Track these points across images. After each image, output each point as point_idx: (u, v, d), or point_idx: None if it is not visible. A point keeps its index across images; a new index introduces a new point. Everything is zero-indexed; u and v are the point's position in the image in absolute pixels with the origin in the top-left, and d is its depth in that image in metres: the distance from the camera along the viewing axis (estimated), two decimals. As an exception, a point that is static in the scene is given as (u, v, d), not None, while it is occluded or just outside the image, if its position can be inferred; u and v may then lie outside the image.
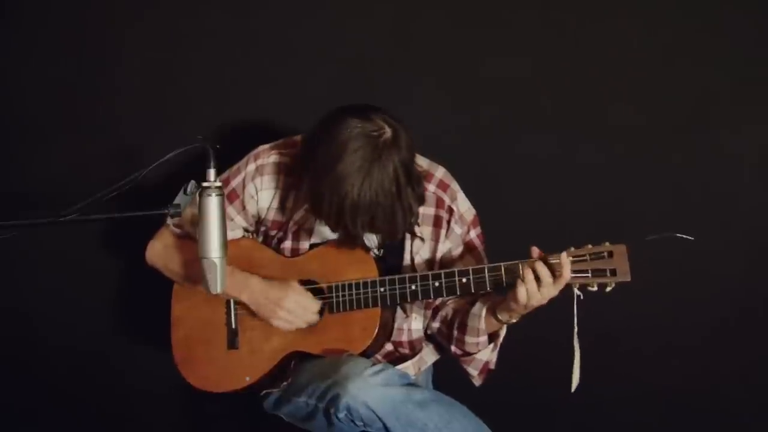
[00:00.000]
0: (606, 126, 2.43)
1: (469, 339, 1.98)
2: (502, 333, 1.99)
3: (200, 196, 1.56)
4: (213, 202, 1.56)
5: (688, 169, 2.42)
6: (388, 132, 1.76)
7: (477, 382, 2.06)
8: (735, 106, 2.39)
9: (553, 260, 1.79)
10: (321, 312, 1.98)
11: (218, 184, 1.56)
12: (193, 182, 1.57)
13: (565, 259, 1.78)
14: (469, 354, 2.02)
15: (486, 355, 2.01)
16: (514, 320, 1.92)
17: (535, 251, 1.81)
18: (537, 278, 1.78)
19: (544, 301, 1.81)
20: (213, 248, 1.56)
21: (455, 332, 2.02)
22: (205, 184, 1.56)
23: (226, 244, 1.58)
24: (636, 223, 2.42)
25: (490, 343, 1.99)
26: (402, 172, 1.77)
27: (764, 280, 2.43)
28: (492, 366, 2.04)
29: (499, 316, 1.91)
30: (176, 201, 1.55)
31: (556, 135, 2.44)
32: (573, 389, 1.84)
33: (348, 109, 1.81)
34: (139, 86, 2.53)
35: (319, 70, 2.48)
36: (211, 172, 1.57)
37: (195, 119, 2.50)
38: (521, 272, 1.80)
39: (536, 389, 2.50)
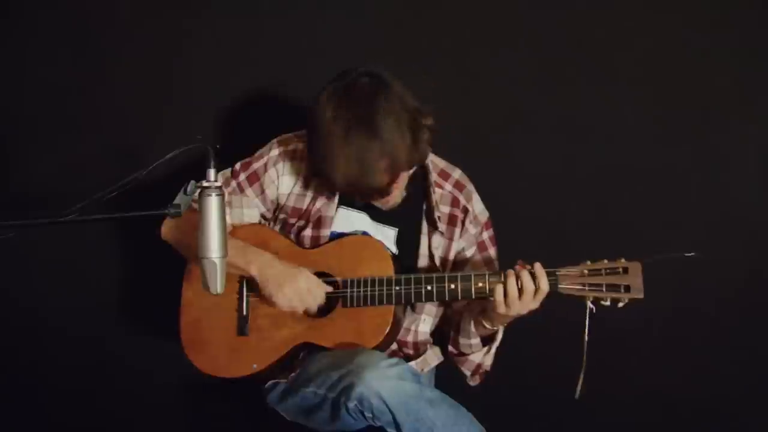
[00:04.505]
0: (606, 128, 2.43)
1: (462, 340, 2.02)
2: (499, 337, 2.01)
3: (200, 196, 1.56)
4: (213, 202, 1.55)
5: (688, 169, 2.42)
6: (364, 78, 1.81)
7: (471, 382, 2.08)
8: (735, 106, 2.39)
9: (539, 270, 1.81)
10: (332, 304, 1.98)
11: (218, 184, 1.56)
12: (193, 182, 1.57)
13: (540, 270, 1.80)
14: (462, 354, 2.05)
15: (479, 357, 2.04)
16: (497, 327, 1.95)
17: (520, 265, 1.83)
18: (521, 287, 1.80)
19: (524, 311, 1.82)
20: (213, 248, 1.56)
21: (452, 332, 2.06)
22: (205, 184, 1.56)
23: (226, 244, 1.57)
24: (637, 224, 2.43)
25: (485, 346, 2.01)
26: (397, 102, 1.80)
27: (765, 280, 2.43)
28: (486, 368, 2.07)
29: (484, 322, 1.94)
30: (176, 201, 1.55)
31: (556, 138, 2.44)
32: (577, 396, 1.85)
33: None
34: (139, 86, 2.53)
35: (319, 69, 2.46)
36: (211, 172, 1.56)
37: (195, 119, 2.50)
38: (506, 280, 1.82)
39: (537, 394, 2.50)
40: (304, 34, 2.48)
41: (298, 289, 1.93)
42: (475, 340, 1.99)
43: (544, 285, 1.80)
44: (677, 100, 2.39)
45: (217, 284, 1.58)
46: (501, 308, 1.81)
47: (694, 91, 2.38)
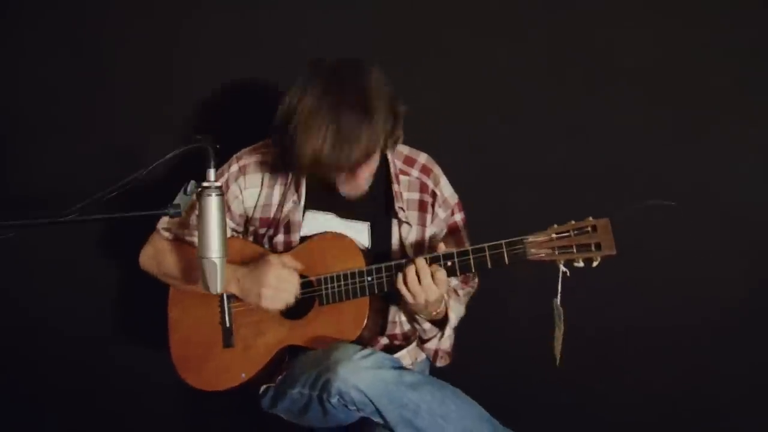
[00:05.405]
0: (606, 128, 2.43)
1: (416, 326, 2.04)
2: (452, 320, 2.00)
3: (200, 196, 1.56)
4: (213, 202, 1.56)
5: (688, 169, 2.42)
6: (346, 62, 1.81)
7: (438, 364, 2.09)
8: (735, 106, 2.39)
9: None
10: (310, 304, 1.98)
11: (218, 184, 1.57)
12: (193, 182, 1.57)
13: (421, 263, 1.81)
14: (422, 341, 2.08)
15: (434, 343, 2.06)
16: (423, 315, 1.95)
17: (441, 247, 1.85)
18: (417, 273, 1.82)
19: (432, 298, 1.83)
20: (213, 248, 1.57)
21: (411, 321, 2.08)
22: (204, 184, 1.56)
23: (226, 244, 1.58)
24: (637, 224, 2.42)
25: (441, 329, 2.01)
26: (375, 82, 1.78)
27: (765, 280, 2.43)
28: (446, 351, 2.08)
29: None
30: (176, 201, 1.55)
31: (556, 138, 2.44)
32: (558, 363, 1.81)
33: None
34: (139, 86, 2.53)
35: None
36: (211, 172, 1.57)
37: (195, 119, 2.50)
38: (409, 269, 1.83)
39: (536, 385, 2.50)
40: (303, 33, 2.48)
41: (271, 287, 1.92)
42: (427, 325, 2.01)
43: (439, 273, 1.81)
44: (677, 100, 2.39)
45: (218, 284, 1.59)
46: (408, 298, 1.83)
47: (694, 91, 2.38)
